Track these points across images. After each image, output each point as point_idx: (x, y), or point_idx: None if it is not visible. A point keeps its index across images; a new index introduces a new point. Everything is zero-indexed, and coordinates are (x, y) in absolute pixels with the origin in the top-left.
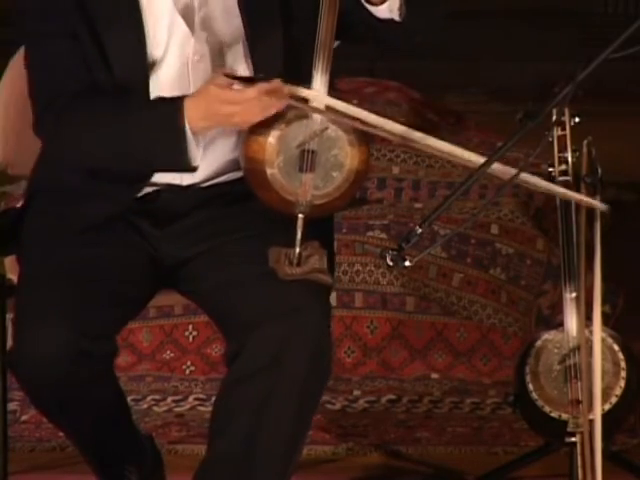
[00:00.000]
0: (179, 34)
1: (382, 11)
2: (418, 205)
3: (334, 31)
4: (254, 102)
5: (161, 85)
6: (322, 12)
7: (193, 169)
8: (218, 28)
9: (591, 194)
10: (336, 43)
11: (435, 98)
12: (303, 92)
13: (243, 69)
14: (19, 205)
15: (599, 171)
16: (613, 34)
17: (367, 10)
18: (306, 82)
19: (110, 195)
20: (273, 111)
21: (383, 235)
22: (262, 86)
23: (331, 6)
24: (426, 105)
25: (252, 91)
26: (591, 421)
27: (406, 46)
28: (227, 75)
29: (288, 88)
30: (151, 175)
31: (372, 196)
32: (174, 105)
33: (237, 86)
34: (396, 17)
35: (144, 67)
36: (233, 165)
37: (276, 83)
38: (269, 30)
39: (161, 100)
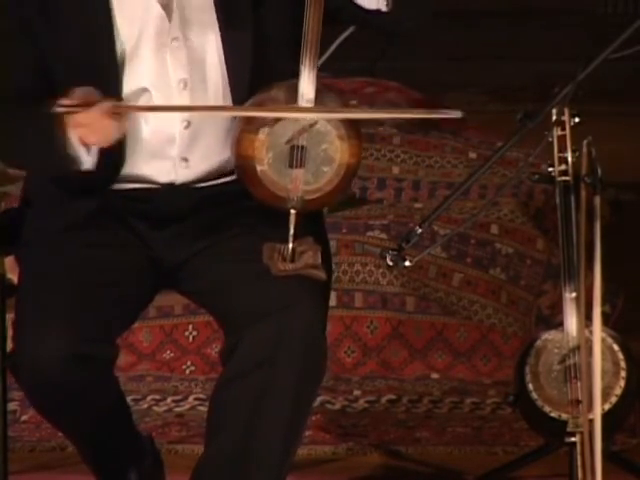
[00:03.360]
0: (155, 19)
1: (368, 2)
2: (418, 205)
3: (320, 29)
4: (99, 122)
5: (140, 72)
6: (308, 10)
7: (83, 170)
8: (193, 10)
9: (591, 194)
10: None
11: (435, 98)
12: (142, 107)
13: (214, 53)
14: (17, 205)
15: (599, 171)
16: (613, 34)
17: (353, 2)
18: (274, 72)
19: (83, 191)
20: (122, 128)
21: (383, 235)
22: (101, 107)
23: (316, 4)
24: (426, 105)
25: (92, 113)
26: (591, 421)
27: (395, 31)
28: (62, 105)
29: (124, 104)
30: (120, 166)
31: (372, 196)
32: (53, 120)
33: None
34: (382, 7)
35: (113, 58)
36: (226, 165)
37: (114, 102)
38: (239, 10)
39: (48, 115)
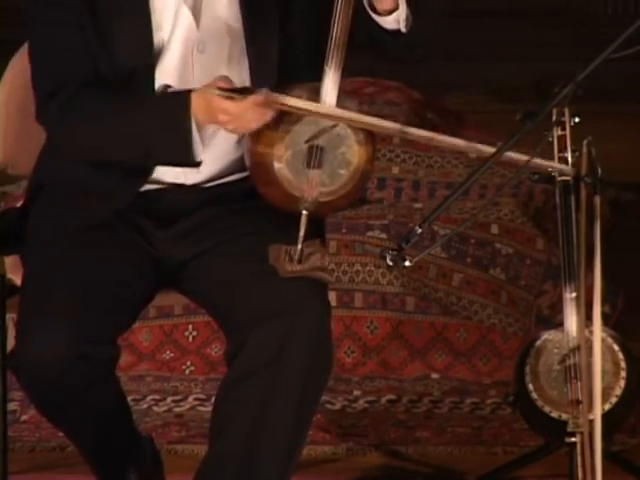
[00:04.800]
0: (184, 24)
1: (389, 22)
2: (418, 205)
3: (348, 30)
4: (247, 113)
5: (165, 73)
6: (337, 11)
7: (197, 164)
8: (220, 20)
9: (591, 194)
10: None
11: (435, 98)
12: (293, 101)
13: (240, 63)
14: (20, 204)
15: (599, 171)
16: (613, 34)
17: (374, 20)
18: (298, 76)
19: (111, 192)
20: (264, 121)
21: (383, 235)
22: (255, 98)
23: (346, 5)
24: (426, 105)
25: (246, 103)
26: (591, 421)
27: (407, 57)
28: (221, 88)
29: (279, 98)
30: (151, 170)
31: (372, 196)
32: (180, 99)
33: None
34: (402, 28)
35: (150, 54)
36: (235, 165)
37: (267, 94)
38: (266, 25)
39: (167, 94)
